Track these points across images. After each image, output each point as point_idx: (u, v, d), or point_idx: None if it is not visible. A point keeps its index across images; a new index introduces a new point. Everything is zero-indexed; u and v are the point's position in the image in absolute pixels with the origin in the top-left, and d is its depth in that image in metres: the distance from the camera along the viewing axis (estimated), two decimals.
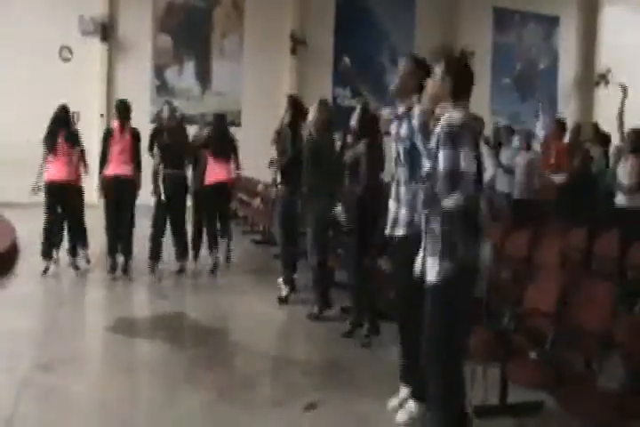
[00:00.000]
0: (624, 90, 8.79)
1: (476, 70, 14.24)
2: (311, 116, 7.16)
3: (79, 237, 8.90)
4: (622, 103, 8.78)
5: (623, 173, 8.13)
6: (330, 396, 5.01)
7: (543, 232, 7.27)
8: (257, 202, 11.29)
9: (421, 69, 4.65)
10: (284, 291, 7.77)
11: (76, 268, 8.79)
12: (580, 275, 5.87)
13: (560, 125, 11.18)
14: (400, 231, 4.59)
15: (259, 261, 10.08)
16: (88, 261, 9.06)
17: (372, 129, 6.08)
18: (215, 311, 7.57)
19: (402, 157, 4.58)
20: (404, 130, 4.57)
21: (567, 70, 19.74)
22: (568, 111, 18.41)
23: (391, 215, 4.68)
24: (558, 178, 9.76)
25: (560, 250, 6.73)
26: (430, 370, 3.87)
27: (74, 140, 8.60)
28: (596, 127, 10.44)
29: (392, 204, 4.69)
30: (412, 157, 4.52)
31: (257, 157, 9.99)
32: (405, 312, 4.67)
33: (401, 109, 4.64)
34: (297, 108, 7.81)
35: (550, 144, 10.98)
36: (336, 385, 5.28)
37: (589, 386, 4.16)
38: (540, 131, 13.65)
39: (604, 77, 19.27)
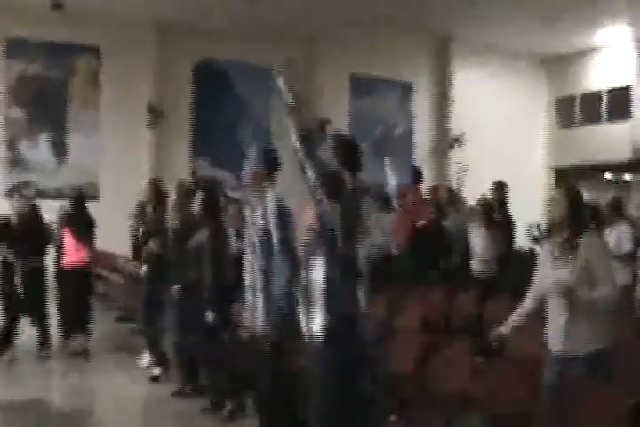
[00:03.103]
0: (462, 170, 8.80)
1: None
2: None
3: None
4: (460, 180, 8.81)
5: (477, 243, 8.31)
6: None
7: (401, 293, 7.38)
8: (117, 277, 10.98)
9: (272, 160, 4.74)
10: (156, 370, 7.51)
11: None
12: (439, 336, 5.97)
13: (417, 174, 10.44)
14: (259, 323, 4.53)
15: (121, 338, 9.73)
16: None
17: (215, 213, 6.04)
18: (77, 395, 7.22)
19: (257, 244, 4.57)
20: (258, 218, 4.58)
21: (423, 135, 20.42)
22: (425, 175, 18.94)
23: (248, 305, 4.62)
24: None
25: (419, 311, 6.84)
26: None
27: None
28: (450, 191, 10.57)
29: (247, 294, 4.64)
30: (267, 243, 4.53)
31: (116, 232, 9.75)
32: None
33: (254, 199, 4.65)
34: (159, 193, 7.74)
35: (406, 196, 10.40)
36: None
37: None
38: (391, 181, 12.73)
39: (457, 141, 19.98)
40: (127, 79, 16.87)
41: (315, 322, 3.66)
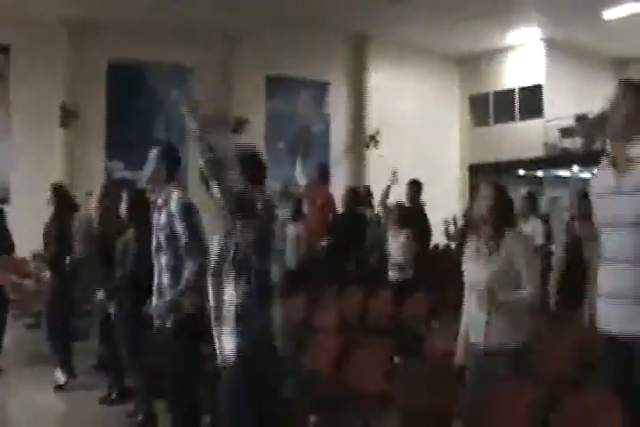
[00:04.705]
0: (394, 176, 8.71)
1: (252, 137, 14.40)
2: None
3: None
4: (388, 187, 8.76)
5: (394, 247, 8.20)
6: None
7: (320, 296, 7.38)
8: (29, 283, 10.66)
9: (172, 157, 4.67)
10: (62, 378, 7.31)
11: None
12: (357, 336, 5.98)
13: (322, 171, 10.55)
14: (167, 324, 4.48)
15: (33, 346, 9.44)
16: None
17: (141, 212, 5.89)
18: None
19: (163, 244, 4.51)
20: (163, 217, 4.51)
21: (339, 133, 20.52)
22: (340, 174, 19.01)
23: (155, 306, 4.56)
24: None
25: (337, 310, 6.86)
26: None
27: None
28: (368, 192, 10.55)
29: (154, 294, 4.59)
30: (174, 243, 4.47)
31: (27, 236, 9.44)
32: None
33: (160, 198, 4.59)
34: (63, 198, 7.53)
35: (312, 194, 9.91)
36: None
37: None
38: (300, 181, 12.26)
39: (373, 139, 20.12)
40: (39, 78, 16.44)
41: (227, 346, 3.62)
